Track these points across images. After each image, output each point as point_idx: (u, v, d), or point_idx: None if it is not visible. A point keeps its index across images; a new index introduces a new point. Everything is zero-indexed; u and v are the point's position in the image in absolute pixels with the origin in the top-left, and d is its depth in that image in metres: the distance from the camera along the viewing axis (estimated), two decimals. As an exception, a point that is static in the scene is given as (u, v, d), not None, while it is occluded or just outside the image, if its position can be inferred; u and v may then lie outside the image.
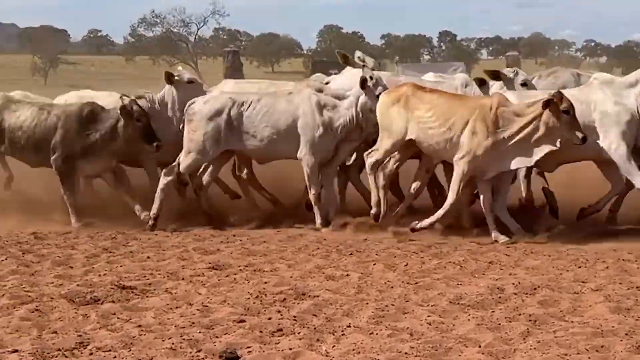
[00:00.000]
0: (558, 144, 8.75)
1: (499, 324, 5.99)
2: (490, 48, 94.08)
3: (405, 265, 7.83)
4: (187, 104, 9.82)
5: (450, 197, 8.92)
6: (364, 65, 9.67)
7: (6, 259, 8.07)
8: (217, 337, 5.73)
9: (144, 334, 5.77)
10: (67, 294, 6.72)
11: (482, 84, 10.06)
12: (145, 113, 9.70)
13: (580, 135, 8.67)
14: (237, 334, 5.77)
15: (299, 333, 5.80)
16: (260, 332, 5.81)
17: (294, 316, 6.15)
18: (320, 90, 9.87)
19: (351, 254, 8.38)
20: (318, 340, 5.68)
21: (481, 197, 9.05)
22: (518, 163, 8.94)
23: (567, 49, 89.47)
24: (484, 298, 6.63)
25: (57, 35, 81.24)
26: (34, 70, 69.41)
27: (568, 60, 79.74)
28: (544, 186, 10.05)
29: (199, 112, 9.68)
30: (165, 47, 72.66)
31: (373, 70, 9.72)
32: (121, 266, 7.81)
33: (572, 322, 6.06)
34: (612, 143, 9.03)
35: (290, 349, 5.51)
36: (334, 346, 5.58)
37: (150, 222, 9.63)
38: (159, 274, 7.50)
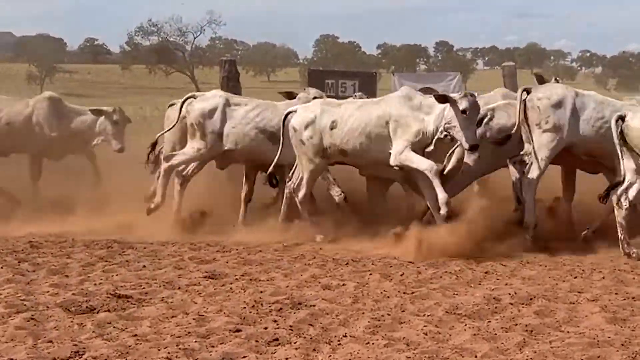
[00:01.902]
0: None
1: (495, 334, 5.99)
2: (487, 58, 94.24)
3: (402, 275, 7.83)
4: None
5: None
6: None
7: (2, 267, 8.05)
8: (213, 346, 5.72)
9: (140, 343, 5.76)
10: (63, 303, 6.71)
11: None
12: None
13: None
14: (233, 344, 5.76)
15: (295, 343, 5.79)
16: (256, 341, 5.80)
17: (290, 326, 6.15)
18: None
19: (347, 263, 8.38)
20: (314, 350, 5.67)
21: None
22: None
23: (563, 59, 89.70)
24: (480, 308, 6.64)
25: (54, 44, 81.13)
26: (30, 79, 69.26)
27: (564, 71, 79.97)
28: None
29: None
30: (162, 56, 72.61)
31: None
32: (117, 275, 7.80)
33: (568, 332, 6.06)
34: None
35: (287, 358, 5.51)
36: (330, 356, 5.57)
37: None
38: (155, 283, 7.48)
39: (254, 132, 10.09)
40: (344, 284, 7.46)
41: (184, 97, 10.38)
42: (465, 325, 6.20)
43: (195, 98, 10.30)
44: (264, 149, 10.04)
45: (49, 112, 11.84)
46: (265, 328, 6.10)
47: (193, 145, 10.20)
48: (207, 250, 9.02)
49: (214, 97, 10.30)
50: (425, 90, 13.73)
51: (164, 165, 10.24)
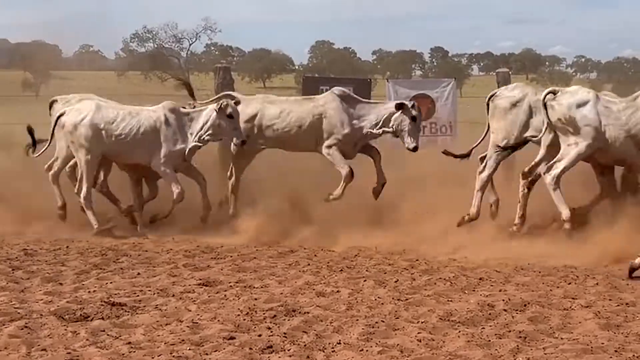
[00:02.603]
0: None
1: (489, 340, 5.99)
2: (482, 64, 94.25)
3: (396, 282, 7.83)
4: None
5: None
6: None
7: (-4, 275, 8.04)
8: (207, 354, 5.72)
9: (134, 351, 5.75)
10: (57, 311, 6.70)
11: None
12: None
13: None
14: (227, 351, 5.76)
15: (289, 350, 5.79)
16: (250, 349, 5.80)
17: (284, 333, 6.15)
18: None
19: (341, 270, 8.39)
20: (308, 357, 5.67)
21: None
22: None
23: (558, 64, 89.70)
24: (474, 315, 6.64)
25: (49, 51, 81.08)
26: (25, 86, 69.24)
27: (559, 76, 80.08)
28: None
29: None
30: (157, 63, 72.66)
31: None
32: (111, 283, 7.79)
33: (562, 338, 6.07)
34: None
35: (280, 366, 5.50)
36: (324, 363, 5.58)
37: None
38: (149, 290, 7.48)
39: (622, 135, 9.41)
40: (338, 291, 7.46)
41: (544, 93, 9.71)
42: (459, 331, 6.20)
43: (555, 94, 9.63)
44: (630, 154, 9.45)
45: (340, 110, 10.96)
46: (259, 335, 6.10)
47: (569, 142, 9.52)
48: (201, 258, 9.02)
49: (582, 92, 9.68)
50: (420, 97, 13.78)
51: (547, 179, 9.46)
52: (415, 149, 10.66)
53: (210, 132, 10.55)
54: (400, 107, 10.75)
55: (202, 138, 10.58)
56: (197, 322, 6.42)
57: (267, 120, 11.08)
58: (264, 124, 11.09)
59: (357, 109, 10.96)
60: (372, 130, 10.84)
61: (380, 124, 10.81)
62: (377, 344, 5.91)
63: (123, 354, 5.69)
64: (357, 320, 6.49)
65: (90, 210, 10.43)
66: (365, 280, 7.87)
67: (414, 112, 10.70)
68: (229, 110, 10.52)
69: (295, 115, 11.00)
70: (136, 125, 10.59)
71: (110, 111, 10.71)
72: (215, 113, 10.52)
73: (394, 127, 10.73)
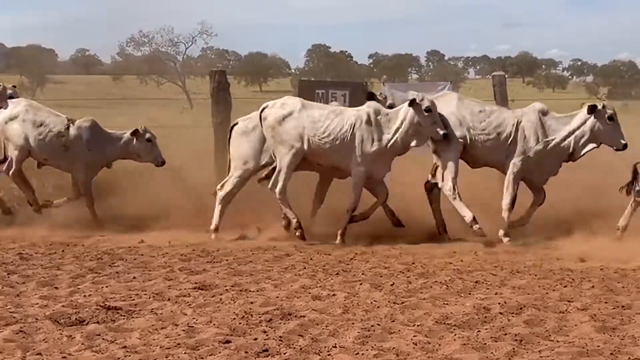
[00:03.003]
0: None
1: (485, 343, 5.99)
2: (478, 67, 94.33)
3: (392, 285, 7.83)
4: None
5: None
6: None
7: (-9, 279, 8.03)
8: (202, 358, 5.71)
9: (129, 355, 5.74)
10: (52, 315, 6.69)
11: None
12: None
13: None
14: (222, 355, 5.75)
15: (284, 353, 5.79)
16: (246, 352, 5.79)
17: (280, 336, 6.14)
18: None
19: (337, 273, 8.38)
20: (304, 360, 5.67)
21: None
22: None
23: (554, 68, 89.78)
24: (470, 318, 6.64)
25: (45, 55, 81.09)
26: (21, 90, 69.23)
27: (555, 80, 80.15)
28: None
29: None
30: (153, 67, 72.68)
31: None
32: (107, 287, 7.78)
33: (557, 341, 6.07)
34: None
35: (276, 369, 5.50)
36: (319, 367, 5.57)
37: None
38: (144, 294, 7.47)
39: None
40: (334, 294, 7.45)
41: None
42: (455, 335, 6.20)
43: None
44: None
45: (537, 124, 10.28)
46: (255, 339, 6.09)
47: None
48: (197, 261, 9.01)
49: None
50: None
51: None
52: (624, 146, 9.97)
53: (409, 131, 9.88)
54: (592, 110, 10.07)
55: (403, 138, 9.93)
56: (192, 326, 6.41)
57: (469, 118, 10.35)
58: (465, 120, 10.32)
59: (553, 123, 10.29)
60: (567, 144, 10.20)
61: (578, 135, 10.15)
62: (372, 347, 5.91)
63: (118, 358, 5.68)
64: (353, 323, 6.49)
65: (286, 205, 10.18)
66: (361, 284, 7.87)
67: (609, 112, 10.04)
68: (426, 104, 9.83)
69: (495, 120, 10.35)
70: (339, 125, 10.12)
71: (316, 110, 10.28)
72: (411, 110, 9.86)
73: (589, 133, 10.09)
